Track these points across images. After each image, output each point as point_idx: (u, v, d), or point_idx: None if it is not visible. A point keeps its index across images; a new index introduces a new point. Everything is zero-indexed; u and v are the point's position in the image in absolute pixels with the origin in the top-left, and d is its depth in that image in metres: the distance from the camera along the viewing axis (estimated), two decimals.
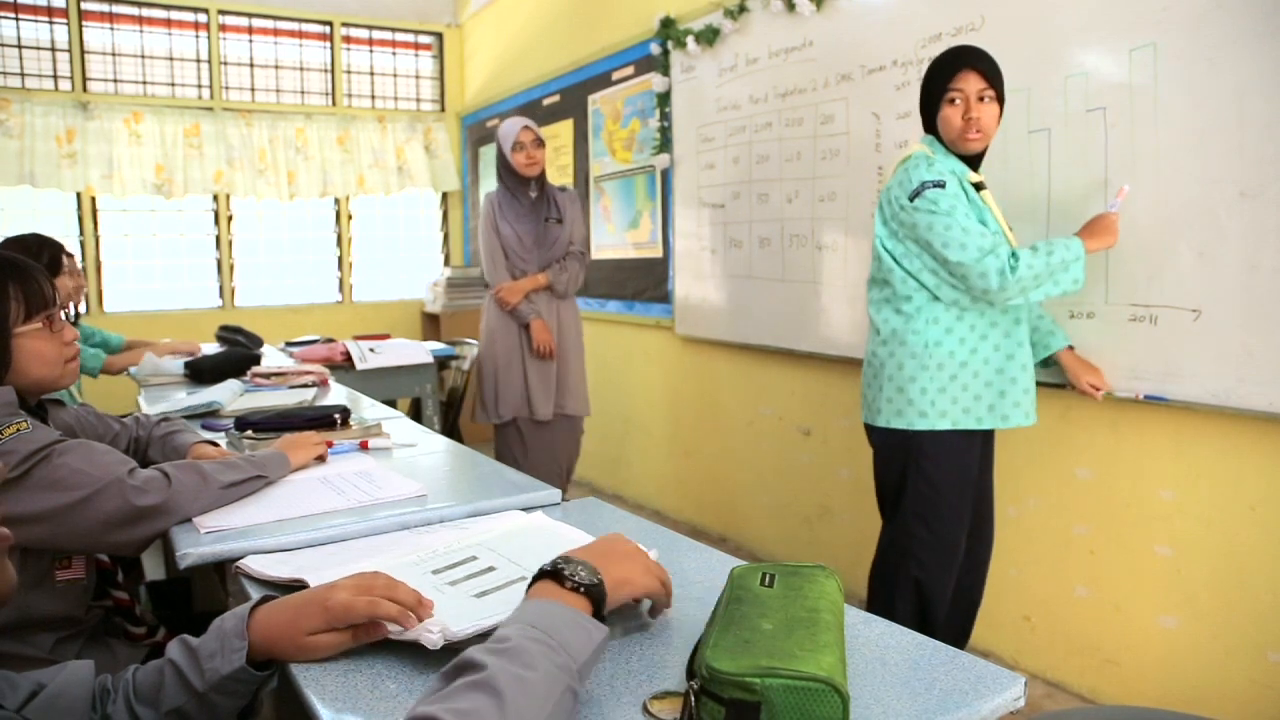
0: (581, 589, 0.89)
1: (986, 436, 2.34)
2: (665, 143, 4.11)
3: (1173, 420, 2.33)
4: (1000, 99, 2.17)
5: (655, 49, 4.07)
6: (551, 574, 0.90)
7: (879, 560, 2.38)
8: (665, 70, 4.05)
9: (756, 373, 3.77)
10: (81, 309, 5.15)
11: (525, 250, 3.53)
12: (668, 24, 3.96)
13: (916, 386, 2.18)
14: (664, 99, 4.08)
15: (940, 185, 2.10)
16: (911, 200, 2.13)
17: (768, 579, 0.98)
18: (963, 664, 0.96)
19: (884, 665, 0.96)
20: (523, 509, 1.49)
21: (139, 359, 3.37)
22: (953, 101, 2.15)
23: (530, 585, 0.91)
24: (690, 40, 3.80)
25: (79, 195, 5.29)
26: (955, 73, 2.14)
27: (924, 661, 0.97)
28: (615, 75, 4.51)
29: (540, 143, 3.50)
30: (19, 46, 5.11)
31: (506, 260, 3.52)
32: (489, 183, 6.02)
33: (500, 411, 3.52)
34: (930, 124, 2.24)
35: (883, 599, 2.32)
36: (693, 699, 0.81)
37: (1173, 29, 2.17)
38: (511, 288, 3.49)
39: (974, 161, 2.22)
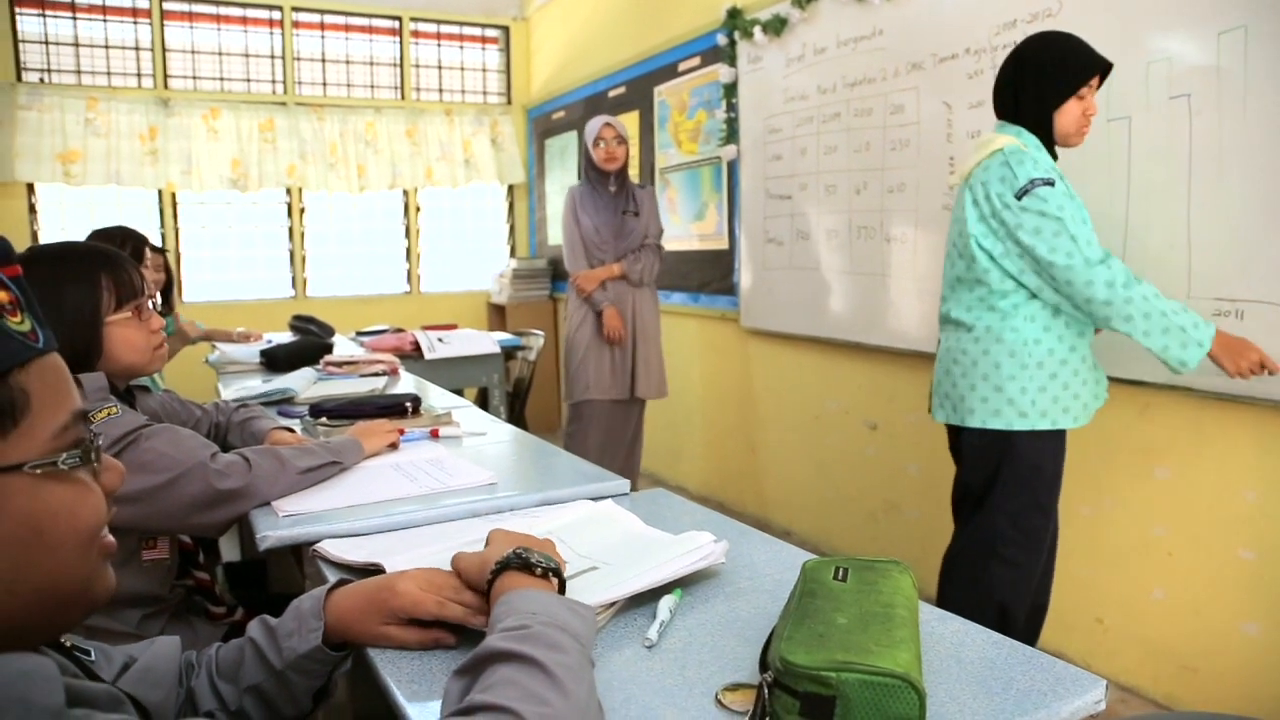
0: (549, 572, 0.93)
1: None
2: (731, 134, 4.09)
3: (1258, 419, 2.25)
4: None
5: (722, 40, 4.05)
6: (519, 564, 0.93)
7: (956, 559, 2.30)
8: (732, 61, 4.02)
9: (823, 366, 3.73)
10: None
11: (603, 241, 3.70)
12: (734, 14, 3.93)
13: (1016, 385, 2.09)
14: (730, 90, 4.06)
15: (1050, 184, 1.99)
16: (1019, 198, 2.01)
17: (841, 573, 0.98)
18: (1041, 664, 0.94)
19: (959, 663, 0.94)
20: (591, 499, 1.50)
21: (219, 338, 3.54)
22: (1081, 98, 2.07)
23: (494, 578, 0.93)
24: (757, 30, 3.77)
25: (160, 191, 5.47)
26: (1093, 74, 2.07)
27: (1000, 661, 0.95)
28: (681, 66, 4.50)
29: (621, 140, 3.65)
30: (106, 47, 5.29)
31: (585, 250, 3.70)
32: (555, 175, 6.06)
33: (573, 391, 3.73)
34: (1028, 114, 2.10)
35: (958, 599, 2.25)
36: (766, 691, 0.81)
37: (1265, 10, 2.08)
38: (587, 276, 3.69)
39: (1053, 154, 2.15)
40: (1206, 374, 2.25)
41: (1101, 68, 2.07)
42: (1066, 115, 2.08)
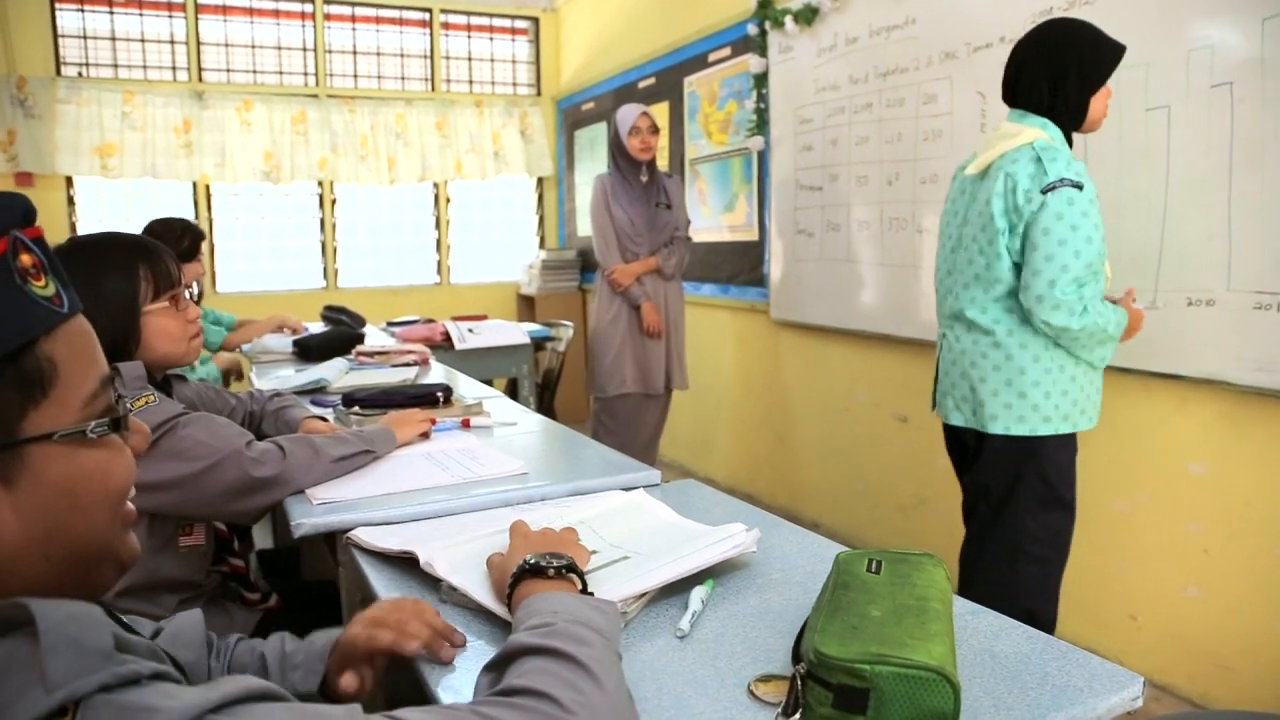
0: (564, 571, 0.94)
1: None
2: (762, 125, 4.06)
3: None
4: None
5: (752, 30, 4.03)
6: (531, 571, 0.94)
7: (978, 563, 2.24)
8: (762, 51, 4.00)
9: (852, 358, 3.71)
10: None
11: (636, 233, 3.68)
12: (765, 4, 3.90)
13: (1040, 391, 2.05)
14: (761, 80, 4.04)
15: (1079, 187, 1.93)
16: (1044, 193, 1.94)
17: (874, 565, 0.97)
18: (1076, 660, 0.93)
19: (993, 658, 0.94)
20: (622, 489, 1.51)
21: (251, 336, 3.53)
22: (1107, 90, 2.05)
23: (512, 591, 0.94)
24: (788, 20, 3.74)
25: (194, 183, 5.53)
26: (1120, 58, 2.04)
27: (1035, 655, 0.94)
28: (711, 57, 4.48)
29: (655, 129, 3.65)
30: (142, 41, 5.36)
31: (618, 242, 3.68)
32: (584, 166, 6.06)
33: (606, 386, 3.71)
34: (1070, 103, 2.04)
35: (983, 603, 2.20)
36: (799, 683, 0.81)
37: None
38: (625, 270, 3.67)
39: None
40: (1245, 369, 2.22)
41: (1119, 57, 2.04)
42: (1100, 101, 2.05)
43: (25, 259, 0.60)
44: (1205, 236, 2.28)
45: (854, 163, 3.51)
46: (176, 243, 3.09)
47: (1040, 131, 2.03)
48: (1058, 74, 2.02)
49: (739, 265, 4.42)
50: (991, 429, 2.12)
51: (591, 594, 0.95)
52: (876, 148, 3.38)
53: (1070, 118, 2.05)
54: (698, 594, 1.07)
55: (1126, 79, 2.40)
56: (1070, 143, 2.07)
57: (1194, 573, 2.46)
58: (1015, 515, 2.14)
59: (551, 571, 0.93)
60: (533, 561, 0.94)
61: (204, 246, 3.27)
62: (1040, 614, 2.15)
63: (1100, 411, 2.15)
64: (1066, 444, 2.12)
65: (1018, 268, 2.04)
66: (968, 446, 2.25)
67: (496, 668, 0.78)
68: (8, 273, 0.59)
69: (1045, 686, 0.88)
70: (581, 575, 0.95)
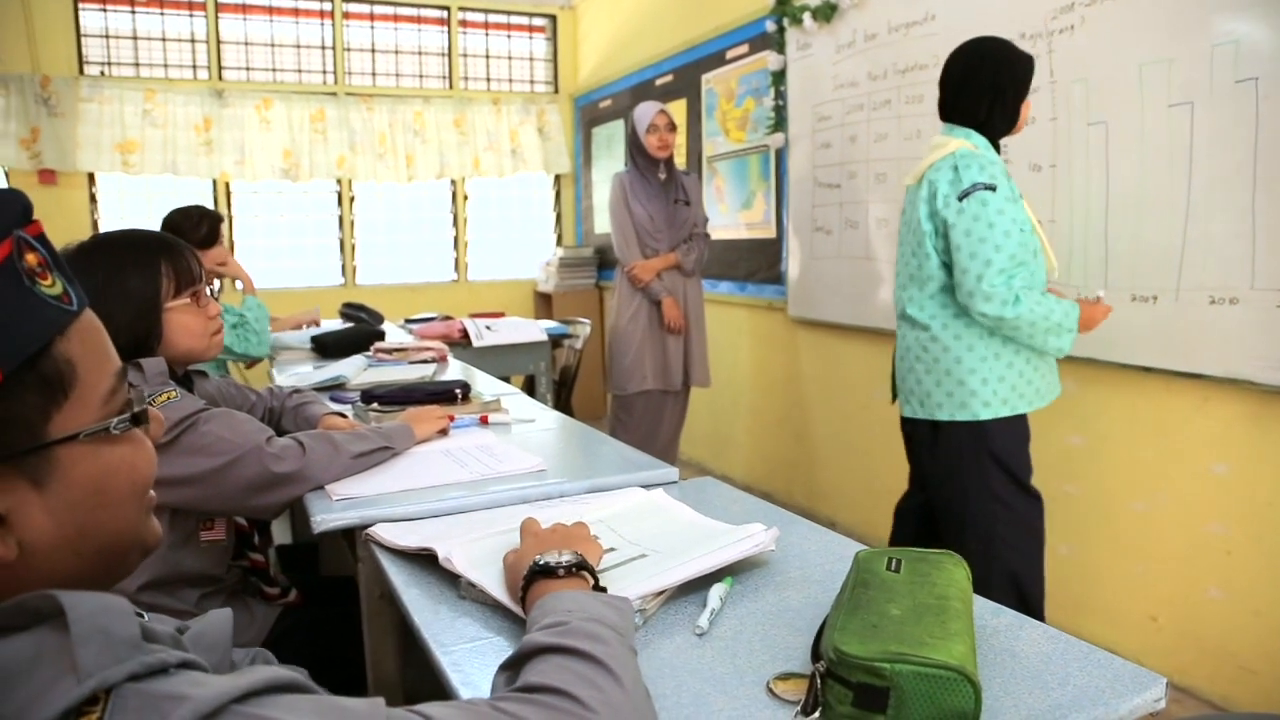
0: (575, 569, 0.93)
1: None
2: (780, 122, 4.05)
3: None
4: None
5: (770, 26, 4.01)
6: (542, 572, 0.93)
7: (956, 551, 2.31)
8: (780, 48, 3.98)
9: (871, 356, 3.69)
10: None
11: (656, 230, 3.69)
12: (783, 1, 3.89)
13: (977, 378, 2.22)
14: (779, 77, 4.02)
15: (992, 189, 2.13)
16: (960, 199, 2.14)
17: (894, 564, 0.97)
18: (1098, 661, 0.92)
19: (1014, 657, 0.93)
20: (640, 487, 1.51)
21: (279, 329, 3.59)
22: (1027, 98, 2.26)
23: (525, 592, 0.94)
24: (806, 17, 3.73)
25: (214, 181, 5.57)
26: (1033, 73, 2.25)
27: (1056, 656, 0.94)
28: (729, 54, 4.47)
29: (673, 127, 3.66)
30: (163, 40, 5.40)
31: (638, 239, 3.69)
32: (602, 163, 6.06)
33: (626, 384, 3.71)
34: (1007, 115, 2.24)
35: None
36: (818, 681, 0.81)
37: None
38: (645, 266, 3.67)
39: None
40: (1268, 368, 2.19)
41: (1034, 62, 2.27)
42: (1026, 109, 2.28)
43: (31, 258, 0.59)
44: (1229, 234, 2.25)
45: (872, 160, 3.50)
46: (194, 230, 3.11)
47: (963, 142, 2.22)
48: (998, 89, 2.22)
49: (756, 263, 4.41)
50: (939, 416, 2.30)
51: (604, 589, 0.95)
52: (895, 144, 3.37)
53: (1005, 126, 2.27)
54: (716, 591, 1.07)
55: (1150, 75, 2.38)
56: (998, 147, 2.27)
57: (1215, 574, 2.44)
58: (980, 503, 2.28)
59: (561, 571, 0.93)
60: (543, 562, 0.94)
61: (224, 231, 3.26)
62: (1030, 600, 2.29)
63: (1047, 397, 2.29)
64: (1012, 426, 2.26)
65: (947, 266, 2.23)
66: (923, 439, 2.39)
67: (512, 666, 0.78)
68: (16, 276, 0.57)
69: (1067, 687, 0.87)
70: (593, 572, 0.95)
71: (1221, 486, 2.41)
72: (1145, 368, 2.47)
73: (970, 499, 2.29)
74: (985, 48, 2.24)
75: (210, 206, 5.48)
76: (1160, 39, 2.33)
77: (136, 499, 0.67)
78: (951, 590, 0.91)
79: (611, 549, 1.15)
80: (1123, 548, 2.62)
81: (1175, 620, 2.56)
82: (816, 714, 0.81)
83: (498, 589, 1.05)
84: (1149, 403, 2.54)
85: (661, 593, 1.06)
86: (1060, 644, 0.96)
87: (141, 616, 0.78)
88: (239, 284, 3.41)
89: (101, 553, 0.64)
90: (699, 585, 1.09)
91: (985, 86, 2.22)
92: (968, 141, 2.22)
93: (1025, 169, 2.78)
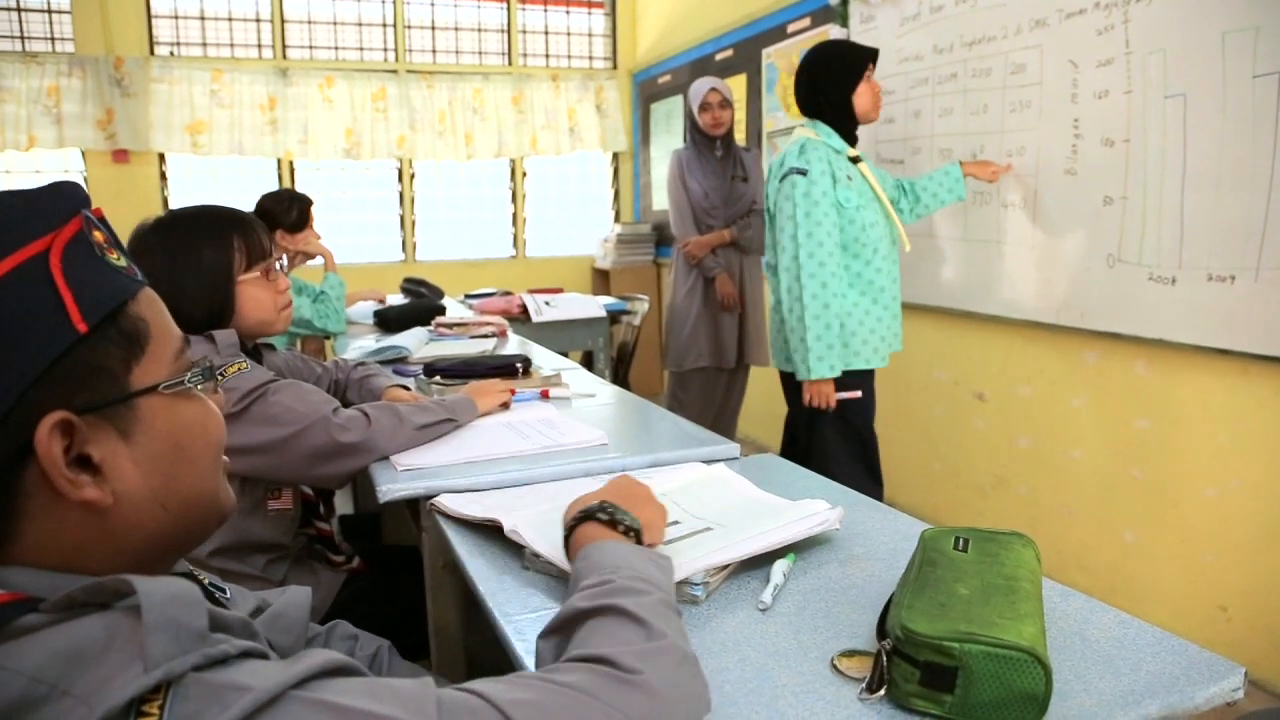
0: (631, 533, 0.93)
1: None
2: None
3: None
4: None
5: None
6: (600, 517, 0.94)
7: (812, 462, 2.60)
8: (843, 21, 3.91)
9: (931, 335, 3.64)
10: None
11: (712, 206, 3.67)
12: None
13: (812, 335, 2.49)
14: None
15: (803, 173, 2.45)
16: (781, 181, 2.50)
17: (961, 543, 0.96)
18: (1172, 647, 0.91)
19: (1085, 641, 0.92)
20: (701, 462, 1.51)
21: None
22: (868, 80, 2.56)
23: (571, 530, 0.95)
24: None
25: (278, 160, 5.67)
26: (870, 59, 2.58)
27: (1129, 641, 0.92)
28: (790, 28, 4.40)
29: (727, 103, 3.63)
30: (230, 20, 5.50)
31: (694, 216, 3.68)
32: (660, 140, 6.03)
33: (682, 360, 3.71)
34: (833, 104, 2.55)
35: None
36: (884, 659, 0.80)
37: None
38: (699, 242, 3.66)
39: (852, 137, 2.61)
40: None
41: (872, 56, 2.59)
42: (863, 98, 2.57)
43: (98, 235, 0.65)
44: None
45: (937, 135, 3.42)
46: (286, 214, 3.17)
47: (806, 130, 2.58)
48: (817, 89, 2.58)
49: None
50: (796, 370, 2.59)
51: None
52: (961, 119, 3.29)
53: (840, 116, 2.57)
54: (779, 567, 1.06)
55: (1233, 45, 2.29)
56: (852, 137, 2.61)
57: None
58: (823, 432, 2.67)
59: (621, 528, 0.93)
60: (609, 509, 0.94)
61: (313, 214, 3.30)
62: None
63: (883, 356, 2.64)
64: (849, 379, 2.57)
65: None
66: (790, 385, 2.72)
67: (557, 631, 0.78)
68: (89, 245, 0.64)
69: (1139, 673, 0.85)
70: (639, 538, 0.94)
71: None
72: (1221, 350, 2.39)
73: (816, 431, 2.72)
74: (810, 55, 2.64)
75: (256, 191, 5.63)
76: (1245, 6, 2.23)
77: (212, 458, 0.72)
78: (1021, 571, 0.90)
79: (675, 521, 1.16)
80: (1192, 535, 2.55)
81: (1247, 612, 2.49)
82: (882, 691, 0.80)
83: (563, 560, 1.06)
84: (1224, 386, 2.46)
85: (725, 567, 1.06)
86: (1132, 629, 0.94)
87: (224, 592, 0.80)
88: (308, 263, 3.44)
89: (184, 508, 0.68)
90: (761, 561, 1.09)
91: (808, 88, 2.60)
92: (812, 130, 2.56)
93: (1097, 144, 2.70)
